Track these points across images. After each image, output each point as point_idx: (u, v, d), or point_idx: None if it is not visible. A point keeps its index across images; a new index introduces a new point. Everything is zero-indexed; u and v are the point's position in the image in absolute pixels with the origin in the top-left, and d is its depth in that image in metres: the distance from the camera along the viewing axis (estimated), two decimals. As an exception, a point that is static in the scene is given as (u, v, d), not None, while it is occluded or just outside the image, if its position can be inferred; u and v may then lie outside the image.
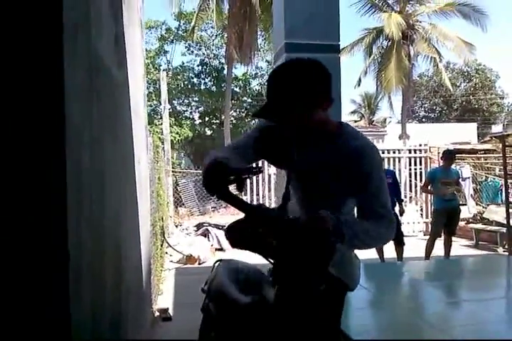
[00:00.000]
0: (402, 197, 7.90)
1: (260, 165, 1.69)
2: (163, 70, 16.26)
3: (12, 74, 1.21)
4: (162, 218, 6.88)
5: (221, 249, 8.53)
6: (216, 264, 1.89)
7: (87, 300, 1.50)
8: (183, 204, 15.41)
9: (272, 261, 1.51)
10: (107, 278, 1.89)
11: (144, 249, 3.36)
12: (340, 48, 4.03)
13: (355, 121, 32.61)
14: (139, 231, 3.13)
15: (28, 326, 1.22)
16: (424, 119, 34.85)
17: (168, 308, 4.22)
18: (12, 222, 1.21)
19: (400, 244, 6.43)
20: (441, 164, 7.15)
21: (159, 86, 14.54)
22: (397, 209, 6.50)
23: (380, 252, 6.48)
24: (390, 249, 6.49)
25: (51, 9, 1.21)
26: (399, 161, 11.33)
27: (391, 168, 10.81)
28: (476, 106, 32.54)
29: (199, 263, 7.30)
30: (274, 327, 1.54)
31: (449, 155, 6.81)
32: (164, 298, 4.77)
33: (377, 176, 1.55)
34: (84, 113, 1.53)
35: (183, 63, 23.98)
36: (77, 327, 1.32)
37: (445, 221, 6.59)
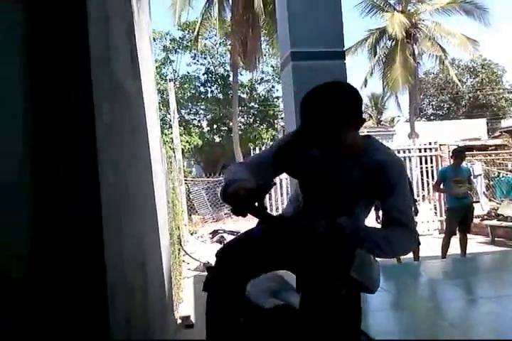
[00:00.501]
0: (415, 196, 7.91)
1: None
2: (170, 81, 16.44)
3: (50, 105, 1.31)
4: (178, 227, 6.97)
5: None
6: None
7: (121, 311, 1.58)
8: (196, 211, 15.54)
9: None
10: (135, 289, 1.97)
11: (164, 258, 3.44)
12: (344, 49, 4.09)
13: (363, 122, 32.54)
14: (160, 241, 3.21)
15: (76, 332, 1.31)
16: (432, 117, 34.71)
17: (189, 315, 4.29)
18: (55, 235, 1.29)
19: (415, 244, 6.44)
20: (451, 162, 7.16)
21: (167, 96, 14.70)
22: (410, 209, 6.53)
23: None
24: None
25: (80, 45, 1.31)
26: (409, 160, 11.34)
27: (402, 167, 10.80)
28: (484, 101, 32.35)
29: (216, 271, 7.36)
30: (299, 332, 1.60)
31: (459, 154, 6.81)
32: (185, 306, 4.85)
33: (400, 189, 1.60)
34: (109, 134, 1.61)
35: (189, 73, 24.23)
36: (114, 334, 1.41)
37: (459, 219, 6.60)
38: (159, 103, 20.21)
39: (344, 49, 4.05)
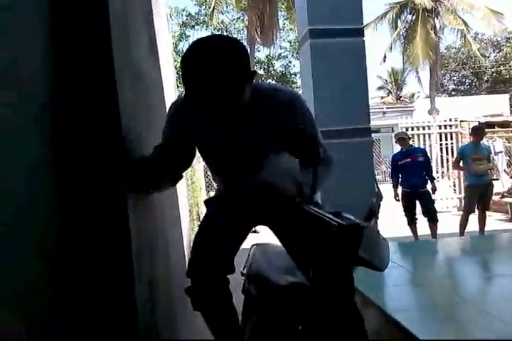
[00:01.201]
0: (434, 173, 7.87)
1: None
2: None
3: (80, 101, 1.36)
4: (197, 203, 7.07)
5: (255, 232, 8.67)
6: (253, 248, 2.00)
7: (146, 291, 1.65)
8: (214, 187, 15.66)
9: None
10: (159, 270, 2.04)
11: (185, 233, 3.52)
12: (364, 24, 4.03)
13: (382, 97, 32.05)
14: (180, 219, 3.29)
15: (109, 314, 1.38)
16: (453, 92, 34.00)
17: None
18: (87, 223, 1.35)
19: (433, 221, 6.45)
20: (471, 140, 7.08)
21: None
22: (429, 186, 6.52)
23: (414, 229, 6.54)
24: (424, 225, 6.54)
25: (103, 50, 1.35)
26: (429, 137, 11.21)
27: (421, 144, 10.72)
28: (508, 76, 31.50)
29: (235, 247, 7.48)
30: (310, 308, 1.64)
31: (477, 131, 6.74)
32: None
33: (307, 119, 1.62)
34: (131, 123, 1.66)
35: (206, 49, 24.05)
36: (141, 313, 1.48)
37: (478, 197, 6.57)
38: (175, 80, 20.19)
39: (363, 26, 4.00)
